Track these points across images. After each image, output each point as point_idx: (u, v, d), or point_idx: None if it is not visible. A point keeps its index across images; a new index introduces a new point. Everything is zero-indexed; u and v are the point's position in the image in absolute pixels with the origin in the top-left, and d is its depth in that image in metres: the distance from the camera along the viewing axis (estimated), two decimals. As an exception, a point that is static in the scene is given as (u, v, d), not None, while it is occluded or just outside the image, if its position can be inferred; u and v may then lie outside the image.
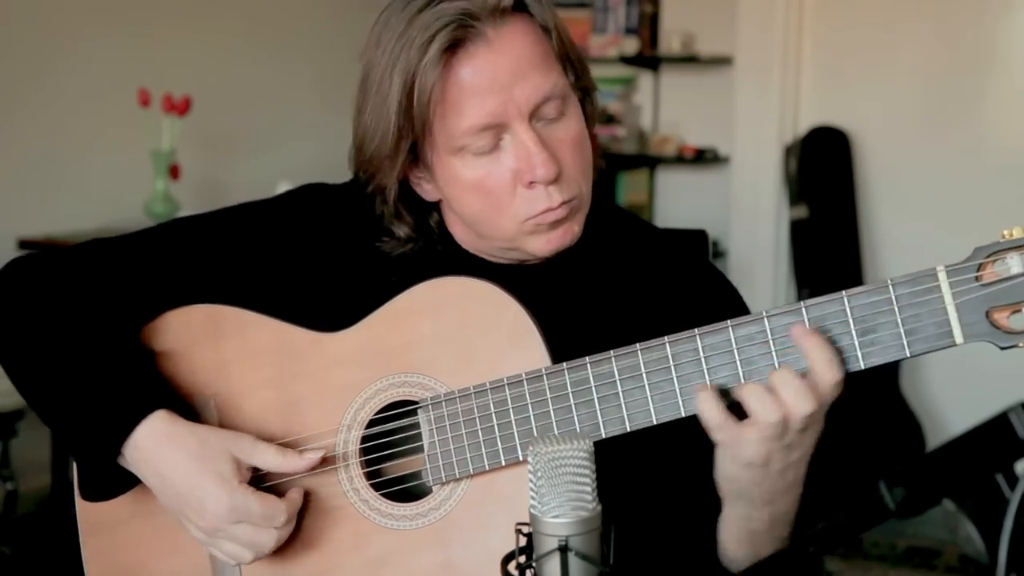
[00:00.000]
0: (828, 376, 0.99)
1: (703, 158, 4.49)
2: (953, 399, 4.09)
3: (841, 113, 4.26)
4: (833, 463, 1.20)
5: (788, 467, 1.04)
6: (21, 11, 3.45)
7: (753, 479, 1.05)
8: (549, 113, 1.14)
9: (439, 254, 1.24)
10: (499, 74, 1.11)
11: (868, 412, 4.05)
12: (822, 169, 4.24)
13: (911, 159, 4.16)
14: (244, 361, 1.21)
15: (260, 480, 1.17)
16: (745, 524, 1.12)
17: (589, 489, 0.88)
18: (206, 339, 1.23)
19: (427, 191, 1.22)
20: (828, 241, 4.23)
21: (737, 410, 1.03)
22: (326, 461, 1.17)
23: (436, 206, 1.24)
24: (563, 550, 0.85)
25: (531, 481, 0.88)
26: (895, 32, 4.17)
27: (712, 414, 1.02)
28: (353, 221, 1.26)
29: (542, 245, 1.17)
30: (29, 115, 3.47)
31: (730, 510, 1.12)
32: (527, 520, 0.91)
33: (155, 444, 1.13)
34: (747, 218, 4.41)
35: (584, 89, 1.22)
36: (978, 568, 3.11)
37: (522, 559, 0.88)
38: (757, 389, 1.00)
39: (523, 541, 0.89)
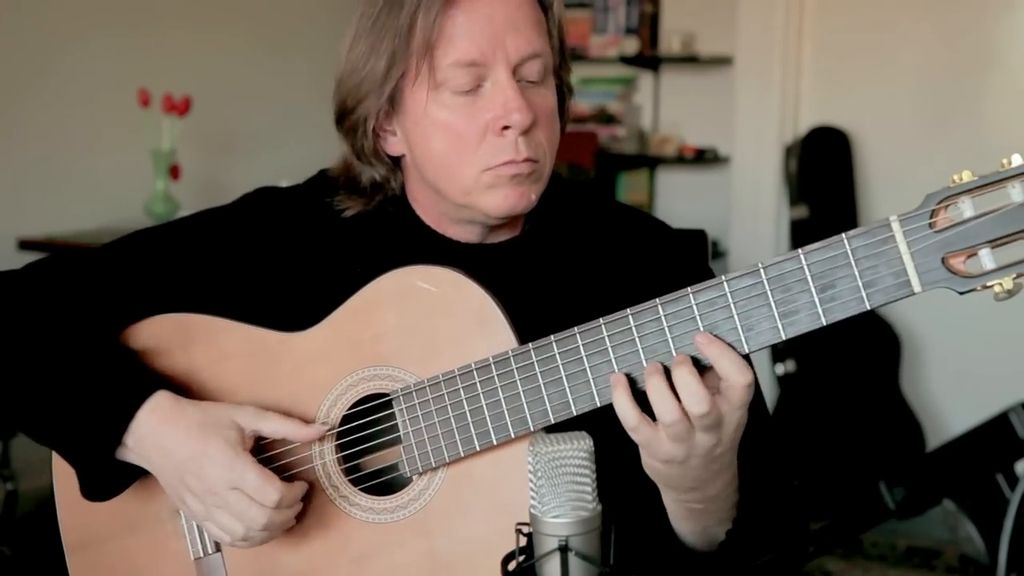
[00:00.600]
0: (739, 379, 1.00)
1: (703, 158, 4.48)
2: (953, 399, 4.09)
3: (841, 113, 4.26)
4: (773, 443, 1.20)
5: (711, 461, 1.05)
6: (21, 11, 3.45)
7: (673, 473, 1.06)
8: (531, 74, 1.17)
9: (400, 236, 1.25)
10: (496, 19, 1.15)
11: (868, 412, 4.05)
12: (822, 169, 4.24)
13: (911, 159, 4.16)
14: (215, 367, 1.22)
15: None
16: (679, 505, 1.13)
17: (589, 489, 0.88)
18: (176, 348, 1.23)
19: (392, 144, 1.23)
20: (828, 241, 4.22)
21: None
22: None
23: (399, 167, 1.25)
24: (563, 550, 0.85)
25: (531, 481, 0.88)
26: (895, 32, 4.17)
27: (628, 415, 1.02)
28: (309, 219, 1.27)
29: (498, 202, 1.18)
30: (29, 115, 3.47)
31: (662, 493, 1.13)
32: (505, 503, 0.92)
33: (159, 421, 1.15)
34: (747, 218, 4.40)
35: (563, 84, 1.24)
36: (978, 568, 3.11)
37: (522, 559, 0.88)
38: (661, 387, 1.01)
39: (523, 541, 0.89)
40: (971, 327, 3.94)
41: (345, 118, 1.23)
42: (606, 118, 4.58)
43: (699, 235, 1.52)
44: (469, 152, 1.16)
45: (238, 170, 4.07)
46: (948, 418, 4.08)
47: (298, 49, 4.27)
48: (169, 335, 1.24)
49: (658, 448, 1.03)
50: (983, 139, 4.03)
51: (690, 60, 4.48)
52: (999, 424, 2.89)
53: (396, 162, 1.25)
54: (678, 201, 4.64)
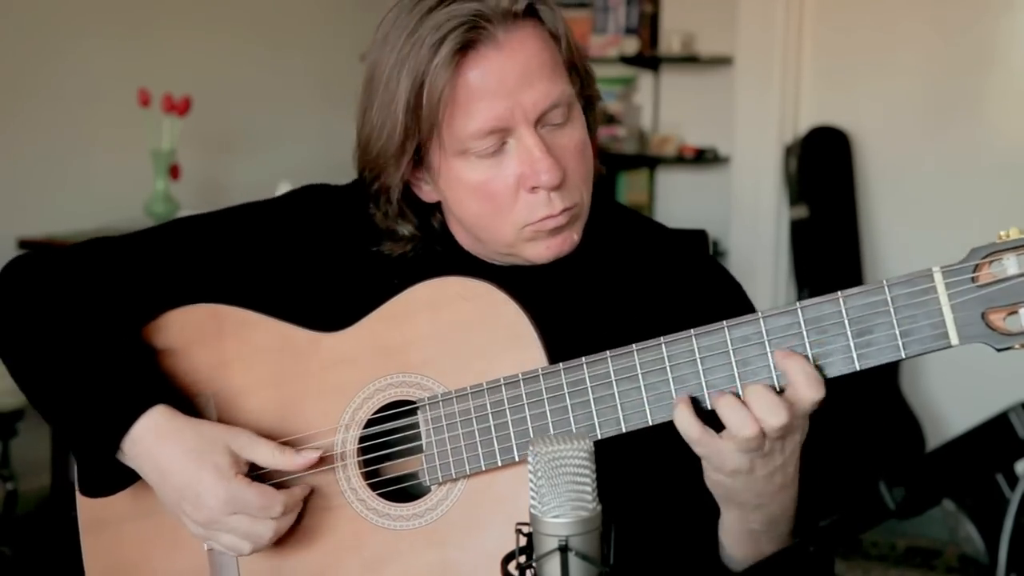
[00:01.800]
0: (808, 395, 0.99)
1: (703, 158, 4.49)
2: (953, 399, 4.09)
3: (841, 113, 4.26)
4: (828, 459, 1.19)
5: (774, 471, 1.04)
6: (21, 11, 3.45)
7: (739, 486, 1.05)
8: (555, 119, 1.14)
9: (440, 255, 1.24)
10: (508, 78, 1.11)
11: (868, 412, 4.05)
12: (822, 169, 4.24)
13: (911, 159, 4.16)
14: (244, 360, 1.22)
15: (261, 476, 1.17)
16: (741, 525, 1.11)
17: (589, 489, 0.88)
18: (207, 338, 1.23)
19: (426, 192, 1.21)
20: (828, 241, 4.23)
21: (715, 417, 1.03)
22: (323, 461, 1.17)
23: (437, 207, 1.24)
24: (563, 550, 0.85)
25: (531, 481, 0.88)
26: (895, 32, 4.17)
27: (690, 429, 1.02)
28: (355, 222, 1.26)
29: (541, 252, 1.17)
30: (29, 115, 3.47)
31: (725, 512, 1.12)
32: (523, 521, 0.92)
33: (154, 439, 1.14)
34: (747, 218, 4.41)
35: (588, 98, 1.22)
36: (978, 568, 3.11)
37: (522, 559, 0.88)
38: (732, 403, 1.00)
39: (523, 541, 0.89)
40: (971, 327, 3.94)
41: (369, 186, 1.21)
42: (606, 118, 4.58)
43: (699, 235, 1.52)
44: (505, 211, 1.15)
45: (238, 170, 4.07)
46: (948, 418, 4.09)
47: (298, 49, 4.27)
48: (202, 324, 1.24)
49: (724, 460, 1.02)
50: (983, 139, 4.03)
51: (690, 60, 4.48)
52: (999, 424, 2.88)
53: (432, 207, 1.23)
54: (678, 201, 4.64)
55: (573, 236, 1.18)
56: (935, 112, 4.11)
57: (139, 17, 3.77)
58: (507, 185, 1.14)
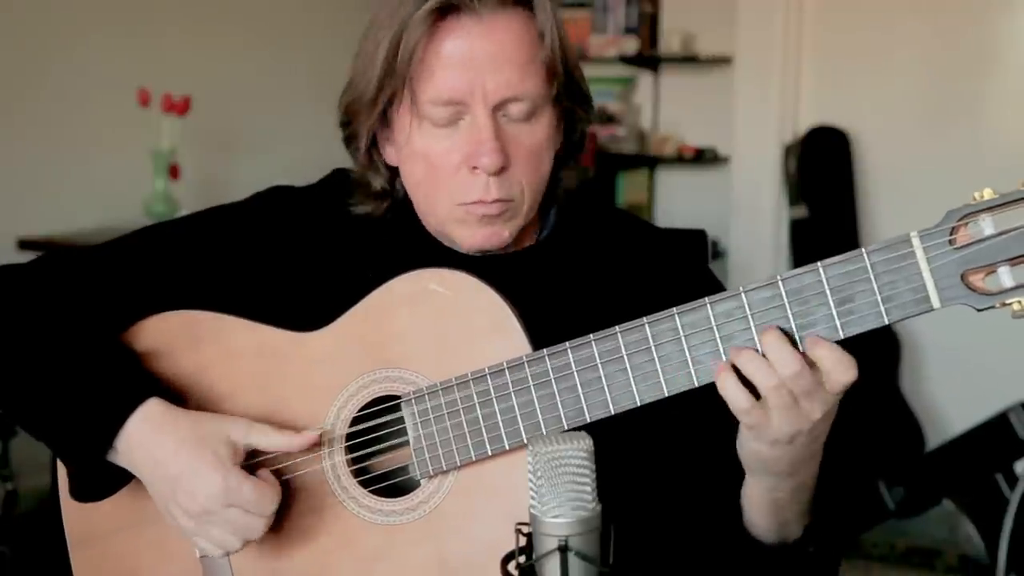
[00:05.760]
0: (842, 378, 0.99)
1: (703, 158, 4.49)
2: (953, 399, 4.09)
3: (841, 113, 4.26)
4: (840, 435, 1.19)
5: (813, 439, 1.03)
6: (21, 11, 3.45)
7: (779, 455, 1.04)
8: (515, 113, 1.15)
9: (410, 243, 1.25)
10: (478, 54, 1.13)
11: (868, 412, 4.05)
12: (822, 169, 4.24)
13: (911, 159, 4.16)
14: (224, 365, 1.21)
15: (251, 465, 1.17)
16: (771, 495, 1.11)
17: (589, 489, 0.88)
18: (185, 345, 1.23)
19: (389, 154, 1.23)
20: (828, 241, 4.23)
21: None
22: (318, 445, 1.17)
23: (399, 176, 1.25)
24: (563, 550, 0.85)
25: (531, 481, 0.88)
26: (895, 32, 4.17)
27: (740, 398, 1.00)
28: (322, 220, 1.27)
29: (466, 238, 1.19)
30: (29, 115, 3.47)
31: (754, 483, 1.11)
32: (516, 508, 0.92)
33: (150, 429, 1.14)
34: (747, 218, 4.41)
35: (569, 110, 1.22)
36: (978, 568, 3.11)
37: (522, 559, 0.88)
38: (755, 357, 0.99)
39: (523, 541, 0.89)
40: (971, 327, 3.94)
41: (344, 128, 1.24)
42: (606, 118, 4.58)
43: (699, 235, 1.52)
44: (443, 183, 1.17)
45: (238, 170, 4.06)
46: (948, 418, 4.08)
47: (298, 49, 4.27)
48: (177, 332, 1.23)
49: (768, 428, 1.01)
50: (983, 139, 4.03)
51: (690, 60, 4.48)
52: (999, 424, 2.89)
53: (397, 169, 1.25)
54: (678, 201, 4.64)
55: (503, 233, 1.19)
56: (935, 112, 4.11)
57: (139, 17, 3.77)
58: (450, 158, 1.15)
